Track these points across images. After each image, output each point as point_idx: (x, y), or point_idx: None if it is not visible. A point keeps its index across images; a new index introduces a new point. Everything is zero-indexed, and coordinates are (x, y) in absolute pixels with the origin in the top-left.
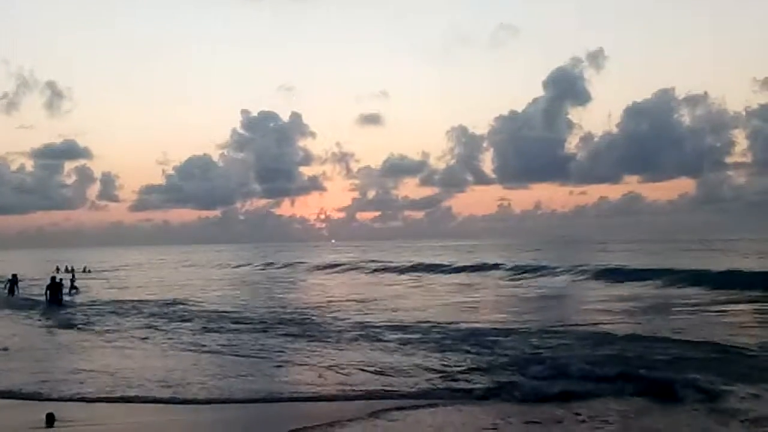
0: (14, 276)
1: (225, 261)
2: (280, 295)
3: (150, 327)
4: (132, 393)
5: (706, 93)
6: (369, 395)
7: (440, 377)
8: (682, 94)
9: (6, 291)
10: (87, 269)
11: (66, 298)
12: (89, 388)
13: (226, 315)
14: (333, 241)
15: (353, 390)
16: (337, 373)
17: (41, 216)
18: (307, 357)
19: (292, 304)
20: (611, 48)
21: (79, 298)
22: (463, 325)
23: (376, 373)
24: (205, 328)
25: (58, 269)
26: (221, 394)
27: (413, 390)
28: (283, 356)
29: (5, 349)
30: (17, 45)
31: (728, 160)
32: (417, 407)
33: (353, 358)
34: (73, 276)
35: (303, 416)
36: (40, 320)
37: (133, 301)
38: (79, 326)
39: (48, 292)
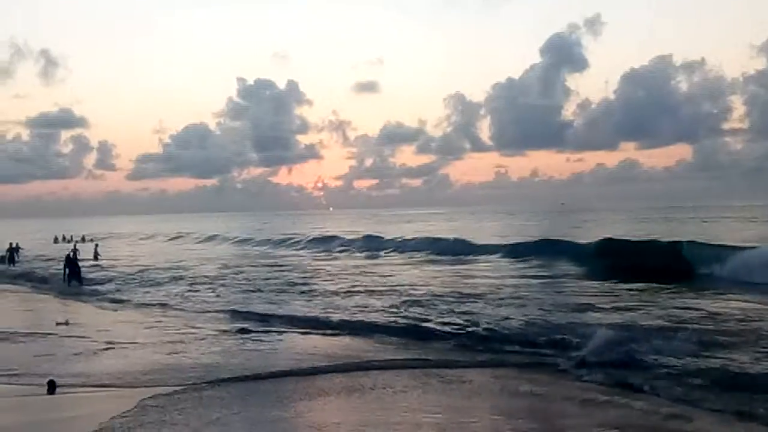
0: (12, 245)
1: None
2: None
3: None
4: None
5: (703, 59)
6: None
7: None
8: (680, 61)
9: (6, 261)
10: (86, 238)
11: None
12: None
13: None
14: (330, 209)
15: None
16: None
17: (38, 185)
18: None
19: None
20: (608, 14)
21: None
22: None
23: None
24: None
25: (56, 239)
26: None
27: None
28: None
29: (66, 323)
30: (10, 13)
31: (725, 126)
32: None
33: None
34: (96, 248)
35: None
36: (67, 295)
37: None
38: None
39: (66, 268)
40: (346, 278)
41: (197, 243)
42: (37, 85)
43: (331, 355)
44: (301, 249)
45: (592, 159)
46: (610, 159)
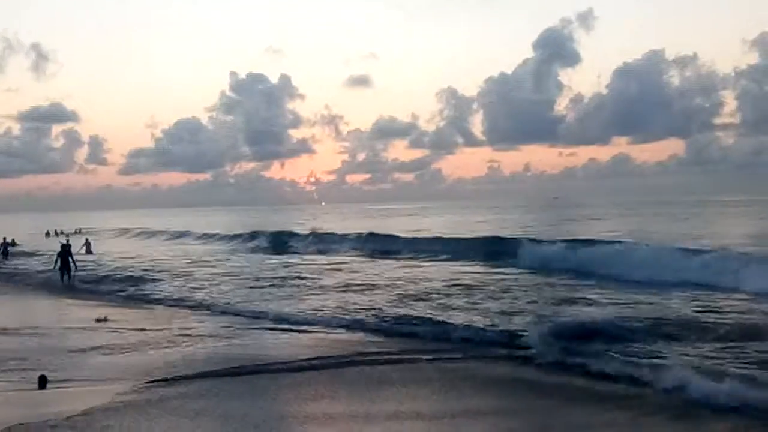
0: (5, 240)
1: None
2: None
3: None
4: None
5: (695, 54)
6: None
7: None
8: (672, 55)
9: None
10: (79, 230)
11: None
12: None
13: None
14: (323, 203)
15: None
16: None
17: (29, 180)
18: None
19: None
20: (601, 9)
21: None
22: None
23: None
24: None
25: (48, 233)
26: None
27: None
28: None
29: (105, 319)
30: (0, 7)
31: (717, 121)
32: None
33: None
34: (87, 242)
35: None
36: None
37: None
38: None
39: (59, 260)
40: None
41: (166, 240)
42: (28, 79)
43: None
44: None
45: (584, 153)
46: (602, 153)
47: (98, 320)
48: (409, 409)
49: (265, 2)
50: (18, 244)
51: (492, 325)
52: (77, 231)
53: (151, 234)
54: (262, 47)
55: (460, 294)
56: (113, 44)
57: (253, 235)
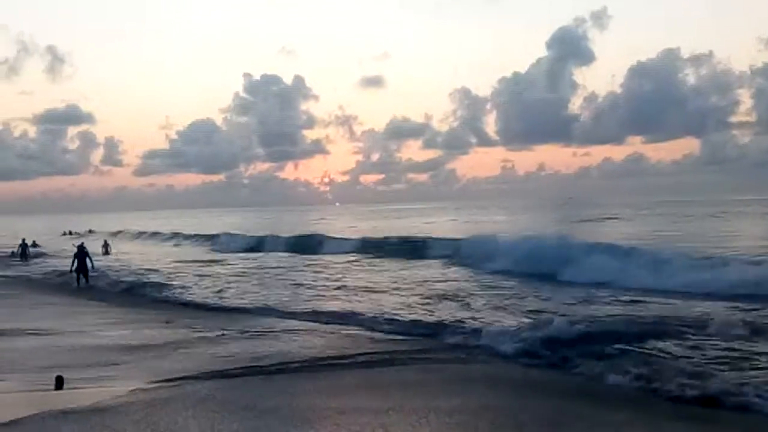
0: (24, 241)
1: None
2: None
3: None
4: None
5: (711, 52)
6: None
7: None
8: (687, 54)
9: (18, 256)
10: (90, 231)
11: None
12: None
13: None
14: (337, 204)
15: None
16: None
17: (45, 182)
18: None
19: None
20: (615, 7)
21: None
22: None
23: None
24: None
25: (64, 233)
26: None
27: None
28: None
29: (169, 322)
30: (16, 10)
31: (733, 119)
32: None
33: None
34: (106, 243)
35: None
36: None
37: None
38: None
39: (75, 261)
40: None
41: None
42: (43, 82)
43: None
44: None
45: (598, 153)
46: (617, 153)
47: (167, 322)
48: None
49: (278, 3)
50: (38, 246)
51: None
52: (89, 231)
53: (167, 236)
54: (275, 48)
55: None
56: (128, 46)
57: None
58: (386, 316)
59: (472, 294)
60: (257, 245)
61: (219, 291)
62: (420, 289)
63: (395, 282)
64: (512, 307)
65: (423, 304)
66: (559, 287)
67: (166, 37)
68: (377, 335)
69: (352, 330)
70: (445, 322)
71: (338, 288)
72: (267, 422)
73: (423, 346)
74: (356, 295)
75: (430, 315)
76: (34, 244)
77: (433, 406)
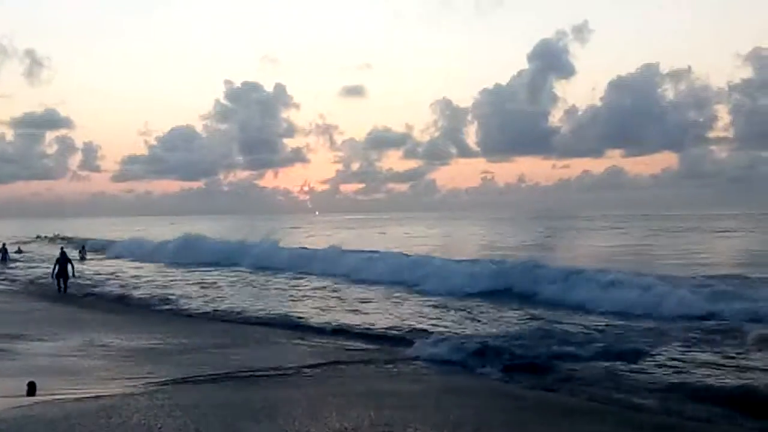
0: (4, 246)
1: None
2: None
3: None
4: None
5: (689, 67)
6: None
7: None
8: (666, 69)
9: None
10: (57, 236)
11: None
12: None
13: None
14: (317, 213)
15: None
16: None
17: (22, 186)
18: None
19: None
20: (596, 21)
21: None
22: None
23: None
24: None
25: (37, 237)
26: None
27: None
28: None
29: None
30: None
31: (711, 134)
32: None
33: None
34: (83, 248)
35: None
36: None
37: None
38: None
39: (56, 266)
40: None
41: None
42: (21, 85)
43: None
44: None
45: (578, 166)
46: (596, 166)
47: None
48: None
49: (260, 11)
50: (22, 252)
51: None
52: (56, 236)
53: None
54: (257, 56)
55: None
56: (108, 51)
57: None
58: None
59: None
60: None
61: None
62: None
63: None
64: None
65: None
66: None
67: (146, 43)
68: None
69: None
70: None
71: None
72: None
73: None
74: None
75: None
76: (20, 251)
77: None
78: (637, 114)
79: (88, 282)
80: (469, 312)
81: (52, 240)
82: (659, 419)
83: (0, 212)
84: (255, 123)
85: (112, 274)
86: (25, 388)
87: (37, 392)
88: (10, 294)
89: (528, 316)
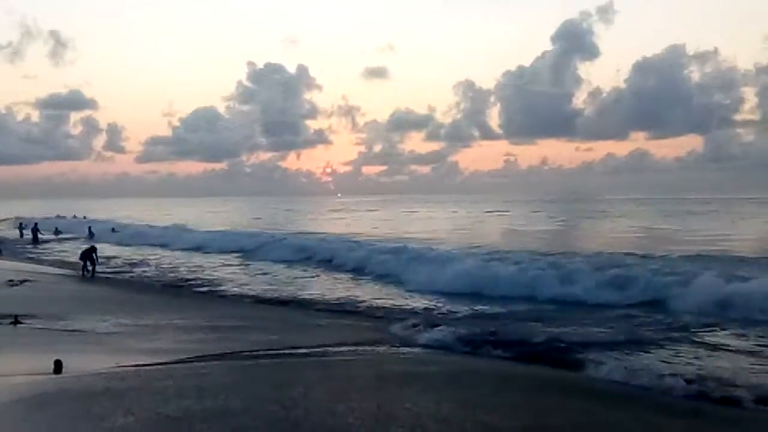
0: (36, 225)
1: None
2: None
3: None
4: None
5: (716, 49)
6: None
7: None
8: (692, 51)
9: (31, 238)
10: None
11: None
12: None
13: None
14: (339, 195)
15: None
16: None
17: (48, 166)
18: None
19: None
20: (621, 2)
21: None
22: None
23: None
24: None
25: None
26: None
27: None
28: None
29: None
30: None
31: (737, 117)
32: None
33: None
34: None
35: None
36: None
37: None
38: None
39: (85, 260)
40: None
41: None
42: (46, 66)
43: None
44: None
45: (602, 148)
46: (620, 149)
47: None
48: None
49: None
50: (61, 233)
51: None
52: (74, 217)
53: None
54: (279, 37)
55: None
56: (132, 32)
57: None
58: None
59: None
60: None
61: None
62: None
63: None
64: None
65: None
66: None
67: (170, 25)
68: None
69: None
70: None
71: None
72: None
73: None
74: None
75: None
76: (57, 231)
77: None
78: (662, 96)
79: None
80: None
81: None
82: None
83: (27, 192)
84: (277, 104)
85: None
86: (52, 366)
87: (64, 370)
88: (39, 274)
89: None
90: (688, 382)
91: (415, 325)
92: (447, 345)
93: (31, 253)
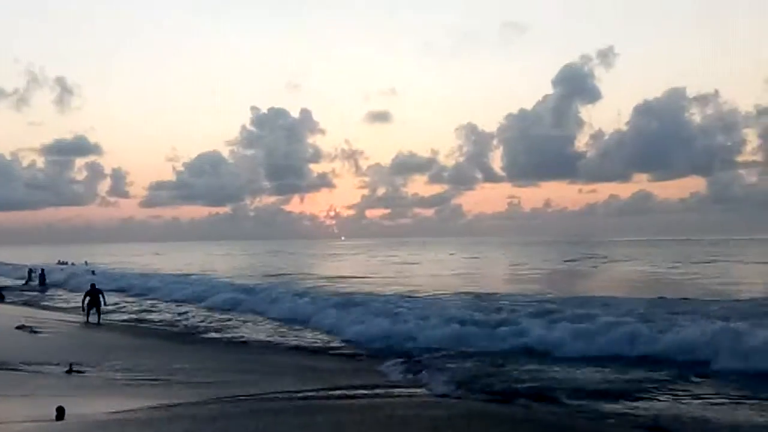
0: (43, 271)
1: None
2: None
3: None
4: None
5: (716, 91)
6: None
7: None
8: (693, 93)
9: (37, 284)
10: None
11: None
12: None
13: None
14: (343, 238)
15: None
16: None
17: (52, 212)
18: None
19: None
20: (621, 45)
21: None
22: None
23: None
24: None
25: (58, 262)
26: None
27: None
28: None
29: None
30: (27, 42)
31: (739, 158)
32: None
33: None
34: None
35: None
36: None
37: None
38: None
39: (87, 302)
40: None
41: None
42: (52, 113)
43: None
44: None
45: (605, 190)
46: (623, 190)
47: None
48: None
49: (286, 38)
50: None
51: None
52: (85, 263)
53: None
54: (283, 82)
55: None
56: (136, 78)
57: None
58: None
59: None
60: None
61: None
62: None
63: None
64: None
65: None
66: None
67: (173, 70)
68: None
69: None
70: None
71: None
72: None
73: None
74: None
75: None
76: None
77: None
78: (664, 138)
79: None
80: None
81: None
82: None
83: (31, 238)
84: (281, 148)
85: None
86: (54, 413)
87: (66, 416)
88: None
89: None
90: None
91: None
92: None
93: (38, 298)
